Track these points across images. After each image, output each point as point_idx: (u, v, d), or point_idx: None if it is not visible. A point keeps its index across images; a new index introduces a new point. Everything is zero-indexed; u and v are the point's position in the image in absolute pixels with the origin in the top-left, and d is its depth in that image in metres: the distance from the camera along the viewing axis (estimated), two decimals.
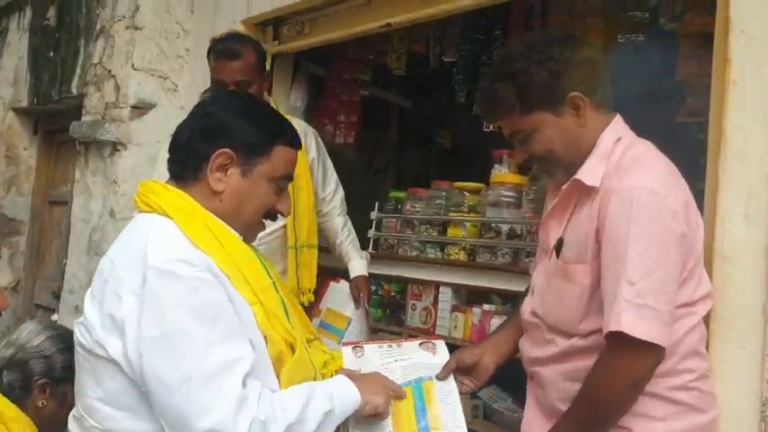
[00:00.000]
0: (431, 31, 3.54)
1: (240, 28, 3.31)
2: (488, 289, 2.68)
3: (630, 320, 1.38)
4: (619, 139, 1.56)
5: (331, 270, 2.94)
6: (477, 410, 2.65)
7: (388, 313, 2.97)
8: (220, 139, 1.39)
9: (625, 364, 1.41)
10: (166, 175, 1.47)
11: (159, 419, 1.25)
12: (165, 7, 3.64)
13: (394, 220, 3.10)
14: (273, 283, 1.45)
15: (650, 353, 1.39)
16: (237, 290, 1.33)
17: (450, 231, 2.85)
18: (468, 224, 2.81)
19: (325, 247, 2.83)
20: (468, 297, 2.80)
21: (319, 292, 2.81)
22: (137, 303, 1.25)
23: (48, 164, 4.86)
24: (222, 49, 2.49)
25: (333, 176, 2.85)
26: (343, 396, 1.36)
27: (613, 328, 1.39)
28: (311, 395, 1.31)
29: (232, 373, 1.23)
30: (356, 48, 3.69)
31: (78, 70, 4.05)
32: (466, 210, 2.84)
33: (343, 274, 2.86)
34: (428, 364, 1.66)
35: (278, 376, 1.36)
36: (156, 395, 1.23)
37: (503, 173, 2.87)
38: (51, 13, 4.40)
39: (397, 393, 1.49)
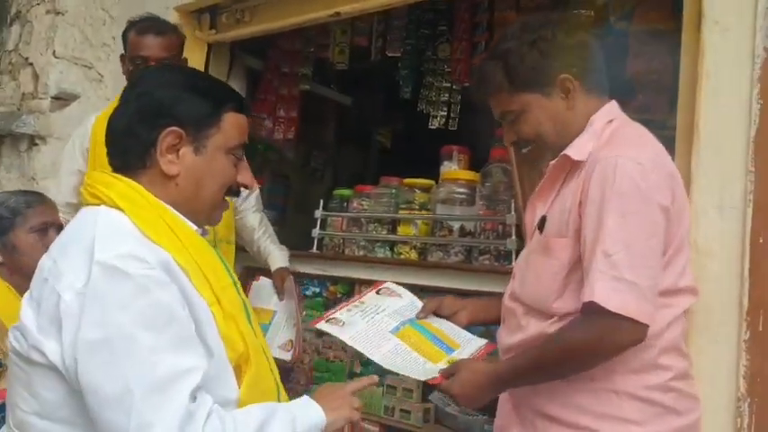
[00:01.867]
0: (373, 24, 3.45)
1: (174, 15, 3.13)
2: (440, 288, 2.59)
3: (604, 292, 1.32)
4: (611, 121, 1.53)
5: (252, 270, 2.88)
6: (428, 414, 2.56)
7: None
8: (164, 118, 1.24)
9: (597, 336, 1.35)
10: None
11: None
12: None
13: (339, 218, 2.97)
14: (234, 282, 1.31)
15: (625, 328, 1.32)
16: (196, 288, 1.19)
17: (401, 230, 2.76)
18: (419, 222, 2.72)
19: (241, 246, 2.74)
20: (422, 297, 2.71)
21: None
22: (78, 302, 1.09)
23: None
24: (148, 24, 2.42)
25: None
26: (306, 418, 1.23)
27: (586, 298, 1.33)
28: (270, 417, 1.17)
29: (180, 385, 1.07)
30: (296, 40, 3.56)
31: None
32: (416, 207, 2.76)
33: (261, 271, 2.81)
34: (406, 306, 1.79)
35: (238, 384, 1.23)
36: (91, 407, 1.07)
37: (453, 169, 2.80)
38: None
39: (356, 406, 1.37)
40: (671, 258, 1.43)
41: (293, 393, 2.81)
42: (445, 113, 3.30)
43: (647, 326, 1.33)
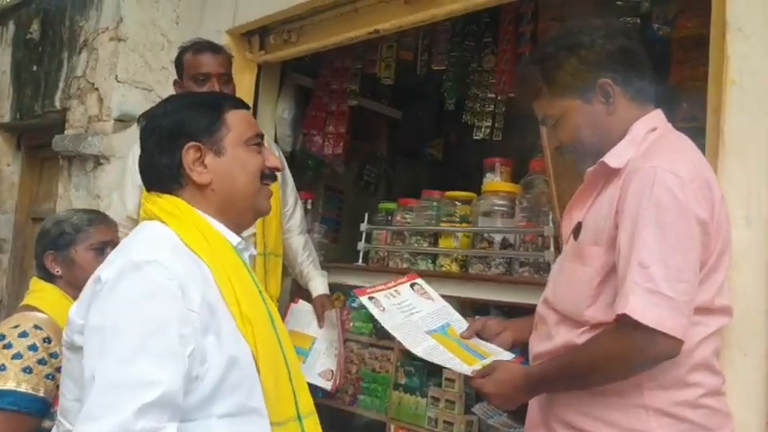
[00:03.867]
0: (419, 38, 3.49)
1: (225, 38, 3.29)
2: (481, 300, 2.60)
3: (638, 305, 1.31)
4: (653, 130, 1.52)
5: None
6: (471, 426, 2.57)
7: (379, 328, 2.88)
8: (179, 140, 1.38)
9: (630, 349, 1.34)
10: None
11: None
12: (149, 19, 3.60)
13: (384, 231, 3.03)
14: (260, 291, 1.40)
15: (660, 343, 1.31)
16: (221, 289, 1.29)
17: (442, 242, 2.78)
18: (459, 234, 2.74)
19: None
20: (465, 310, 2.73)
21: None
22: (100, 288, 1.23)
23: (31, 180, 4.80)
24: (203, 44, 2.60)
25: (293, 192, 2.86)
26: None
27: (620, 310, 1.33)
28: None
29: (135, 396, 1.12)
30: (344, 57, 3.63)
31: (61, 84, 4.00)
32: (457, 220, 2.78)
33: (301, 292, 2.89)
34: (438, 311, 1.91)
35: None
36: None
37: (495, 181, 2.81)
38: (35, 26, 4.36)
39: None
40: (707, 275, 1.41)
41: (341, 402, 2.91)
42: (490, 124, 3.30)
43: (681, 341, 1.32)
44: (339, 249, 3.68)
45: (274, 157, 1.51)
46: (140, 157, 1.45)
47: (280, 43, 3.20)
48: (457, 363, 1.65)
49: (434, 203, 2.88)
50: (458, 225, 2.76)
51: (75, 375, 1.26)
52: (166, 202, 1.38)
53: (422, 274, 2.75)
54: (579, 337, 1.47)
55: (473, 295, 2.60)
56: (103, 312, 1.19)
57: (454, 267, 2.72)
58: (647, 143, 1.49)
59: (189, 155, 1.37)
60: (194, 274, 1.26)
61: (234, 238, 1.41)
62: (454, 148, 4.27)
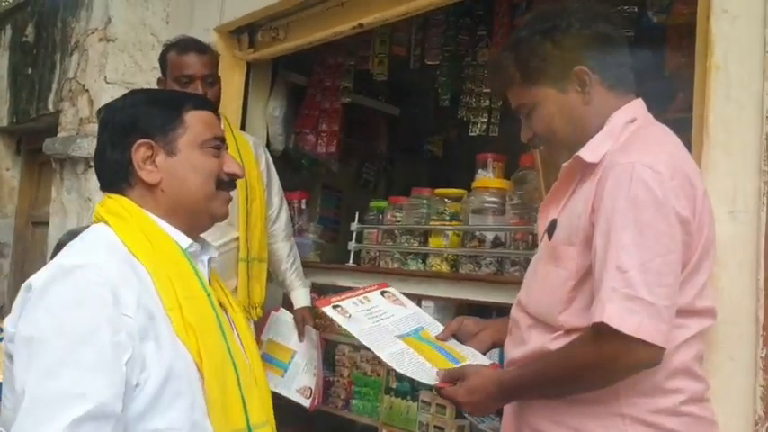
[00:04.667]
0: (412, 33, 3.42)
1: (214, 36, 3.25)
2: (472, 301, 2.52)
3: (616, 312, 1.22)
4: (632, 121, 1.43)
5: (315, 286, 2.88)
6: (463, 431, 2.50)
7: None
8: (130, 136, 1.33)
9: (608, 358, 1.26)
10: None
11: None
12: (139, 19, 3.57)
13: (375, 231, 2.96)
14: (208, 295, 1.32)
15: (639, 351, 1.23)
16: (160, 293, 1.22)
17: (432, 241, 2.71)
18: (449, 233, 2.66)
19: None
20: (458, 310, 2.65)
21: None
22: (28, 297, 1.19)
23: (30, 184, 4.82)
24: (188, 43, 2.51)
25: (278, 194, 2.79)
26: None
27: (596, 318, 1.24)
28: None
29: (62, 408, 1.07)
30: (337, 54, 3.58)
31: (54, 86, 4.01)
32: (447, 218, 2.70)
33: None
34: (410, 316, 1.82)
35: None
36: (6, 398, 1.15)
37: (487, 177, 2.73)
38: (30, 29, 4.37)
39: None
40: (689, 275, 1.32)
41: (334, 407, 2.86)
42: (486, 120, 3.22)
43: (663, 348, 1.24)
44: (337, 249, 3.62)
45: (234, 162, 1.43)
46: (95, 151, 1.40)
47: (268, 40, 3.16)
48: (426, 369, 1.57)
49: (424, 201, 2.80)
50: (447, 223, 2.69)
51: (13, 385, 1.21)
52: (114, 202, 1.34)
53: (411, 275, 2.71)
54: (552, 342, 1.38)
55: (463, 296, 2.52)
56: (31, 322, 1.14)
57: (444, 267, 2.64)
58: (625, 135, 1.40)
59: (139, 152, 1.32)
60: (129, 278, 1.20)
61: (184, 241, 1.34)
62: (454, 145, 4.19)
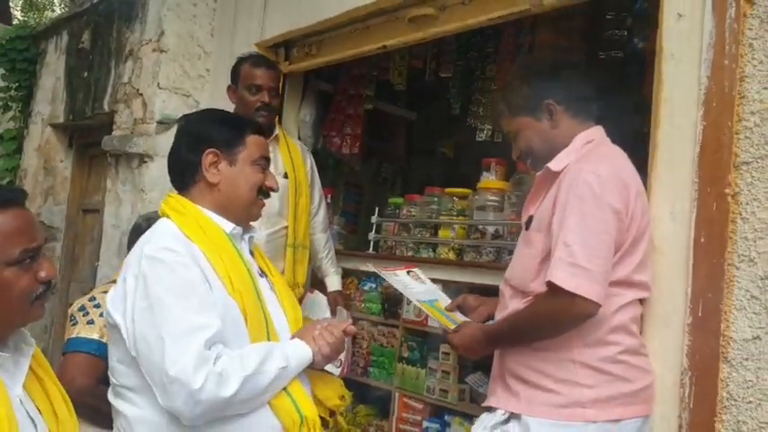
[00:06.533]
0: (428, 48, 3.84)
1: (255, 50, 3.65)
2: (473, 284, 2.94)
3: (561, 275, 1.67)
4: (590, 141, 1.88)
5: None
6: (464, 394, 2.92)
7: (386, 308, 3.25)
8: (203, 144, 1.75)
9: (553, 310, 1.71)
10: None
11: (145, 375, 1.56)
12: (188, 31, 4.00)
13: (393, 223, 3.39)
14: (248, 269, 1.74)
15: (579, 305, 1.66)
16: (214, 266, 1.65)
17: (441, 233, 3.14)
18: (456, 226, 3.09)
19: None
20: (462, 292, 3.06)
21: None
22: (134, 283, 1.59)
23: (81, 175, 5.25)
24: (259, 59, 3.00)
25: (319, 192, 3.22)
26: (298, 356, 1.66)
27: (547, 278, 1.69)
28: (269, 353, 1.61)
29: (195, 336, 1.52)
30: (361, 65, 3.98)
31: (109, 89, 4.43)
32: (455, 213, 3.13)
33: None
34: (428, 290, 2.29)
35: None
36: (140, 352, 1.56)
37: (490, 179, 3.15)
38: (86, 36, 4.79)
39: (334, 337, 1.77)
40: (625, 254, 1.76)
41: (354, 374, 3.28)
42: (491, 127, 3.64)
43: (597, 304, 1.67)
44: (357, 239, 4.07)
45: (274, 179, 1.86)
46: (170, 150, 1.83)
47: (302, 55, 3.57)
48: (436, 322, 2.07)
49: (435, 198, 3.23)
50: (455, 218, 3.11)
51: (116, 342, 1.66)
52: (175, 201, 1.76)
53: (423, 261, 3.13)
54: (524, 304, 1.83)
55: (467, 280, 2.94)
56: (144, 296, 1.57)
57: (451, 255, 3.07)
58: (583, 152, 1.84)
59: (208, 158, 1.75)
60: (190, 254, 1.63)
61: (227, 227, 1.76)
62: (465, 147, 4.60)
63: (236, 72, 2.97)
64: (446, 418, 2.94)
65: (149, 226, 1.92)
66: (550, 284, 1.69)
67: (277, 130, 3.05)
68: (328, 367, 3.11)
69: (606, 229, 1.70)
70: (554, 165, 1.85)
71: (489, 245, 2.95)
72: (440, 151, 4.68)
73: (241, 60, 2.99)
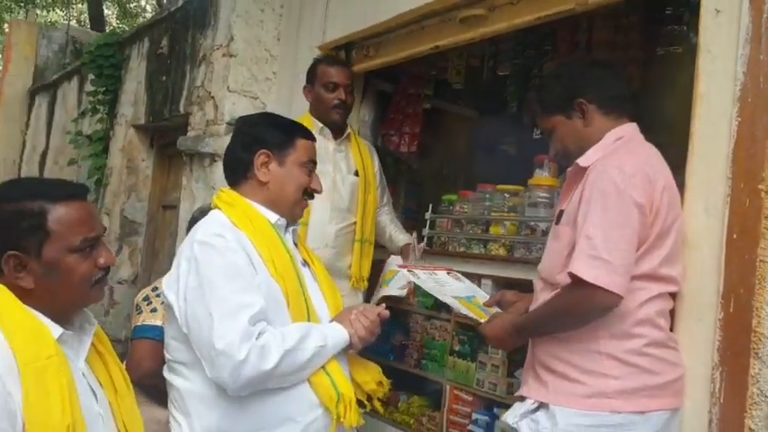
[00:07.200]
0: (486, 47, 3.90)
1: (317, 53, 3.81)
2: (523, 280, 2.98)
3: (581, 266, 1.72)
4: (620, 138, 1.91)
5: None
6: (512, 387, 2.95)
7: (438, 302, 3.32)
8: (257, 145, 1.91)
9: (574, 301, 1.76)
10: None
11: (195, 350, 1.72)
12: (255, 37, 4.20)
13: (446, 219, 3.47)
14: (291, 257, 1.89)
15: (599, 296, 1.70)
16: (259, 252, 1.80)
17: (492, 229, 3.19)
18: (507, 223, 3.13)
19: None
20: (511, 287, 3.11)
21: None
22: (187, 265, 1.76)
23: (161, 173, 5.58)
24: (337, 58, 3.22)
25: (385, 191, 3.37)
26: (335, 337, 1.79)
27: (569, 270, 1.75)
28: (308, 332, 1.74)
29: (241, 313, 1.67)
30: (420, 65, 4.06)
31: (185, 92, 4.69)
32: (506, 210, 3.17)
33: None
34: (466, 288, 2.41)
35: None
36: (191, 329, 1.72)
37: (543, 176, 3.18)
38: (164, 42, 5.09)
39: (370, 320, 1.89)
40: (651, 248, 1.79)
41: (408, 365, 3.37)
42: None
43: (618, 295, 1.71)
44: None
45: (318, 182, 2.01)
46: (227, 148, 2.00)
47: (361, 57, 3.69)
48: (470, 315, 2.13)
49: (487, 195, 3.28)
50: (506, 214, 3.16)
51: (170, 321, 1.83)
52: (226, 195, 1.93)
53: (473, 257, 3.20)
54: (551, 296, 1.88)
55: (516, 275, 2.98)
56: (196, 277, 1.74)
57: (502, 251, 3.11)
58: (612, 148, 1.88)
59: (260, 158, 1.91)
60: (238, 240, 1.78)
61: (273, 217, 1.91)
62: (526, 144, 4.61)
63: (312, 72, 3.12)
64: (495, 410, 2.98)
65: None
66: (572, 276, 1.74)
67: (348, 130, 3.18)
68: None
69: (628, 223, 1.73)
70: (583, 161, 1.89)
71: (539, 241, 2.98)
72: (501, 148, 4.71)
73: (317, 62, 3.15)
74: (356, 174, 3.11)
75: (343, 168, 3.12)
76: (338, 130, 3.13)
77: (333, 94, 3.02)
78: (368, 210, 3.15)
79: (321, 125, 3.07)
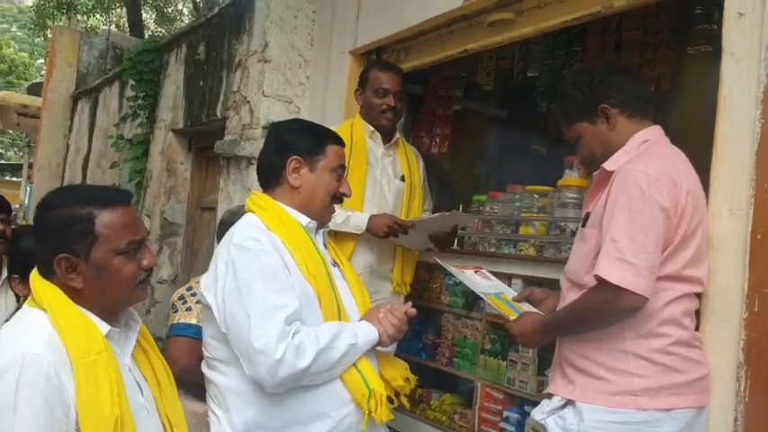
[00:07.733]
0: (515, 49, 3.93)
1: (349, 57, 3.90)
2: (553, 279, 3.02)
3: (607, 268, 1.76)
4: (645, 141, 1.95)
5: (426, 265, 3.46)
6: (542, 386, 2.98)
7: (469, 302, 3.39)
8: (289, 151, 1.99)
9: (600, 302, 1.80)
10: None
11: (233, 349, 1.80)
12: (289, 42, 4.30)
13: (476, 220, 3.52)
14: (322, 259, 1.97)
15: (624, 297, 1.74)
16: (293, 254, 1.87)
17: (522, 229, 3.23)
18: (537, 223, 3.17)
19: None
20: (540, 286, 3.14)
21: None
22: (224, 268, 1.84)
23: (199, 176, 5.72)
24: (389, 64, 3.20)
25: (428, 195, 3.41)
26: (365, 335, 1.86)
27: (594, 272, 1.79)
28: (340, 331, 1.82)
29: (278, 314, 1.75)
30: (450, 67, 4.12)
31: (222, 97, 4.81)
32: (536, 210, 3.21)
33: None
34: (495, 285, 2.45)
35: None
36: (230, 329, 1.80)
37: (573, 177, 3.21)
38: (201, 48, 5.22)
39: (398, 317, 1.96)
40: (676, 250, 1.83)
41: (440, 363, 3.42)
42: None
43: (643, 297, 1.75)
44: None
45: (348, 186, 2.07)
46: (260, 152, 2.08)
47: (392, 61, 3.76)
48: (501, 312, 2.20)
49: (517, 196, 3.32)
50: (535, 215, 3.20)
51: (209, 320, 1.92)
52: (258, 198, 2.01)
53: (504, 257, 3.24)
54: (578, 296, 1.93)
55: (546, 275, 3.02)
56: (233, 279, 1.82)
57: (531, 251, 3.15)
58: (638, 151, 1.91)
59: (291, 164, 1.99)
60: (272, 243, 1.86)
61: (304, 220, 1.98)
62: (557, 145, 4.62)
63: (364, 76, 3.14)
64: (525, 408, 3.03)
65: (232, 220, 2.16)
66: (598, 278, 1.78)
67: (397, 135, 3.22)
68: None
69: (653, 226, 1.77)
70: (609, 165, 1.93)
71: (569, 241, 3.01)
72: (533, 148, 4.73)
73: (369, 66, 3.17)
74: (402, 179, 3.15)
75: (390, 173, 3.15)
76: (387, 135, 3.16)
77: (382, 100, 3.04)
78: (412, 214, 3.18)
79: (371, 129, 3.10)
